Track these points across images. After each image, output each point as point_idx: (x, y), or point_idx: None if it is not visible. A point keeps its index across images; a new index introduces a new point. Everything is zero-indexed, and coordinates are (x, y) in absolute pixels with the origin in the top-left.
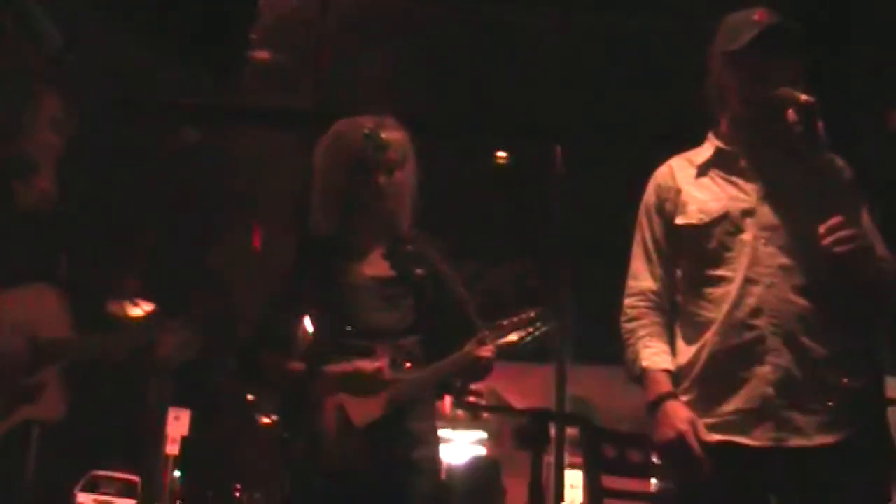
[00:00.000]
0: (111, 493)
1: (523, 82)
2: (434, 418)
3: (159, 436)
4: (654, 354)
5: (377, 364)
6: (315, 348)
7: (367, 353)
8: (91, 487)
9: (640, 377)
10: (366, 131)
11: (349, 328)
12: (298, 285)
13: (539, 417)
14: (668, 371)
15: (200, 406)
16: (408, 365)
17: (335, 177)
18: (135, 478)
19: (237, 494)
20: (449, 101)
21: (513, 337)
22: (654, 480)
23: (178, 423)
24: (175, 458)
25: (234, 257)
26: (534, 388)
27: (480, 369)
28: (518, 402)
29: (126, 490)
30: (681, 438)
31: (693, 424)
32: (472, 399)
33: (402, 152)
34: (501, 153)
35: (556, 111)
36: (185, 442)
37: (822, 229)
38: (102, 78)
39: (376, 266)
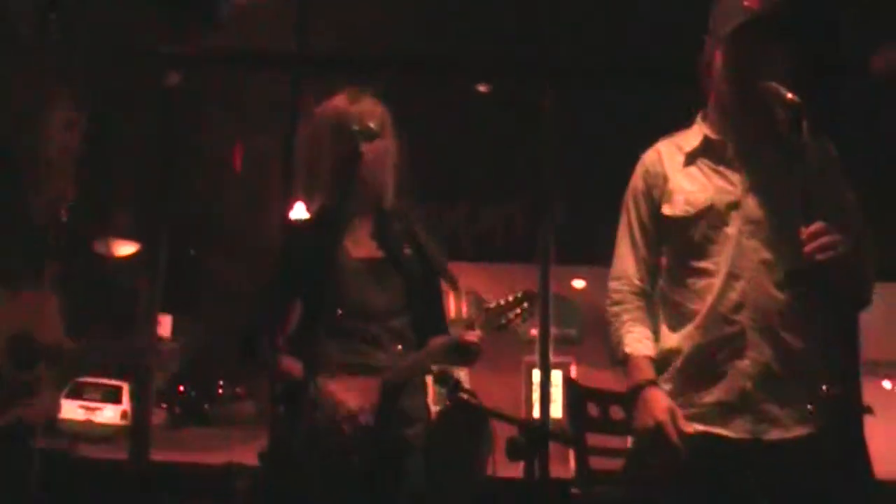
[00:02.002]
0: (97, 398)
1: (513, 19)
2: (424, 394)
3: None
4: (637, 340)
5: None
6: (306, 332)
7: (361, 336)
8: (76, 393)
9: (623, 362)
10: (354, 128)
11: (340, 311)
12: (289, 274)
13: (531, 430)
14: (650, 358)
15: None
16: (399, 347)
17: (321, 166)
18: (120, 383)
19: (220, 391)
20: (437, 40)
21: (501, 319)
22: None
23: (159, 328)
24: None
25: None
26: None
27: (468, 354)
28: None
29: (111, 395)
30: (659, 427)
31: (672, 414)
32: (464, 397)
33: (381, 124)
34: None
35: (546, 48)
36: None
37: (804, 235)
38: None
39: (364, 247)
